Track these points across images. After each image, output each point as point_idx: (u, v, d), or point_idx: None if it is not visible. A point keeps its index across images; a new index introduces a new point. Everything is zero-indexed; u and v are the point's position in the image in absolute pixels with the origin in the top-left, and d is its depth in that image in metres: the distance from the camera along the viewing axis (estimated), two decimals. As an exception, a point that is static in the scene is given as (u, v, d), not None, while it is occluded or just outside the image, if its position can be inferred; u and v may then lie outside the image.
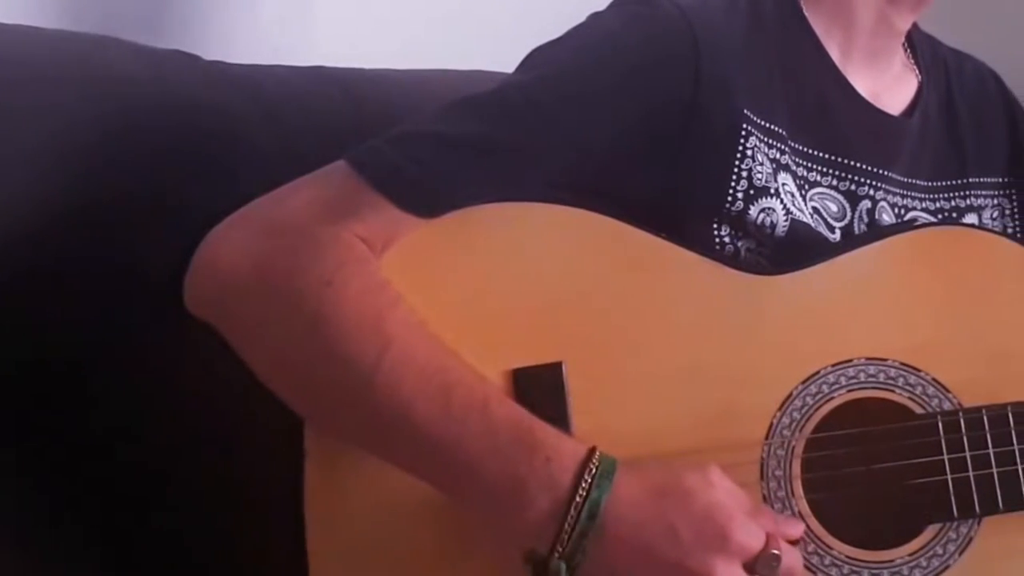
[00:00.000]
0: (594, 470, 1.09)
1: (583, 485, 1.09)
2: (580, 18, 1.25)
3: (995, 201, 1.41)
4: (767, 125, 1.25)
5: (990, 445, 1.21)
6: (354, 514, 1.18)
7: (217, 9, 1.64)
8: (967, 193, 1.40)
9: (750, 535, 1.11)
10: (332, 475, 1.18)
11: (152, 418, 1.29)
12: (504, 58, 1.24)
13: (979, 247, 1.26)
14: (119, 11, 1.53)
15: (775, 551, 1.12)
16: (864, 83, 1.33)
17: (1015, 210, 1.42)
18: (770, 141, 1.25)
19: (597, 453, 1.10)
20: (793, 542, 1.16)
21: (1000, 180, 1.43)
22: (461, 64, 1.52)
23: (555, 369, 1.18)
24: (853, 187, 1.31)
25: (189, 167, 1.33)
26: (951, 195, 1.39)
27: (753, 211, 1.23)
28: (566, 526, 1.08)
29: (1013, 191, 1.43)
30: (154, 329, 1.28)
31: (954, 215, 1.38)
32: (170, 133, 1.33)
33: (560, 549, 1.09)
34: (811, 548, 1.20)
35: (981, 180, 1.41)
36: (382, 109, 1.18)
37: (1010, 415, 1.21)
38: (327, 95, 1.48)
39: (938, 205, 1.38)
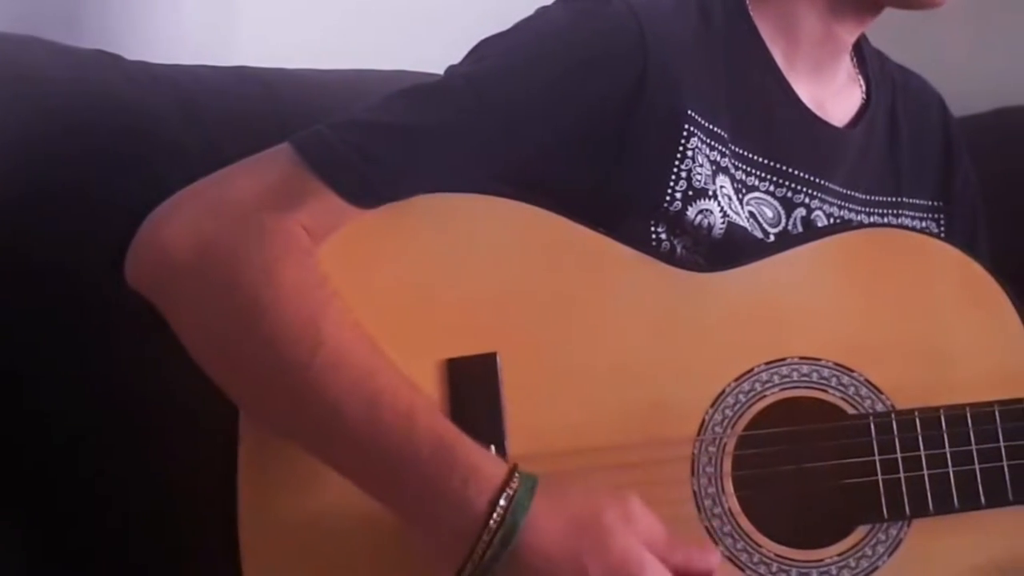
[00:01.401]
0: (511, 494, 1.07)
1: (498, 510, 1.07)
2: (504, 18, 1.26)
3: (923, 224, 1.43)
4: (709, 127, 1.26)
5: (922, 448, 1.22)
6: (287, 512, 1.17)
7: (139, 9, 1.64)
8: (899, 212, 1.41)
9: None
10: (264, 473, 1.18)
11: (80, 412, 1.29)
12: (425, 58, 1.25)
13: (915, 249, 1.27)
14: (40, 11, 1.53)
15: None
16: (808, 92, 1.34)
17: (940, 233, 1.43)
18: (711, 143, 1.26)
19: (516, 477, 1.08)
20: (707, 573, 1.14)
21: (930, 203, 1.44)
22: (382, 64, 1.53)
23: (489, 360, 1.19)
24: (790, 194, 1.32)
25: (112, 167, 1.34)
26: (885, 211, 1.40)
27: (691, 212, 1.24)
28: (477, 549, 1.06)
29: (941, 215, 1.44)
30: (79, 325, 1.28)
31: None
32: (92, 133, 1.34)
33: (469, 569, 1.07)
34: (740, 546, 1.20)
35: (913, 201, 1.43)
36: (304, 109, 1.20)
37: (942, 418, 1.22)
38: (249, 95, 1.49)
39: (872, 220, 1.38)
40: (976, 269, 1.25)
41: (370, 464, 1.10)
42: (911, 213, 1.42)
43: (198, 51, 1.57)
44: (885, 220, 1.40)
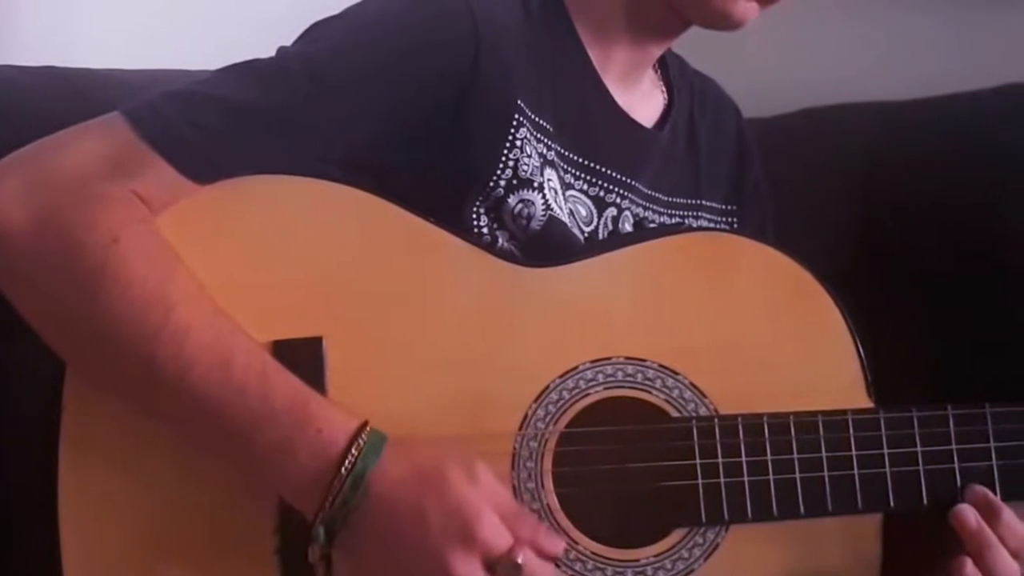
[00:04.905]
0: (362, 444, 1.11)
1: (350, 457, 1.10)
2: (313, 17, 1.26)
3: (719, 225, 1.45)
4: (537, 120, 1.27)
5: (743, 454, 1.22)
6: (107, 512, 1.17)
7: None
8: (698, 214, 1.44)
9: (495, 536, 1.11)
10: (87, 475, 1.17)
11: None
12: (234, 57, 1.25)
13: (746, 255, 1.28)
14: None
15: (518, 559, 1.11)
16: (618, 95, 1.36)
17: None
18: (539, 136, 1.27)
19: (368, 428, 1.12)
20: (550, 557, 1.15)
21: (724, 206, 1.47)
22: (192, 64, 1.52)
23: (315, 344, 1.18)
24: (602, 193, 1.34)
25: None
26: (684, 213, 1.43)
27: (512, 200, 1.24)
28: (330, 494, 1.10)
29: (733, 218, 1.47)
30: None
31: None
32: None
33: (322, 515, 1.10)
34: (557, 542, 1.20)
35: (710, 204, 1.45)
36: (113, 108, 1.19)
37: (765, 425, 1.22)
38: (57, 95, 1.48)
39: (674, 221, 1.41)
40: (806, 277, 1.26)
41: (222, 422, 1.12)
42: (708, 215, 1.45)
43: (6, 50, 1.57)
44: (686, 222, 1.42)
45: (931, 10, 2.00)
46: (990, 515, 1.21)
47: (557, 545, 1.15)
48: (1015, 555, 1.20)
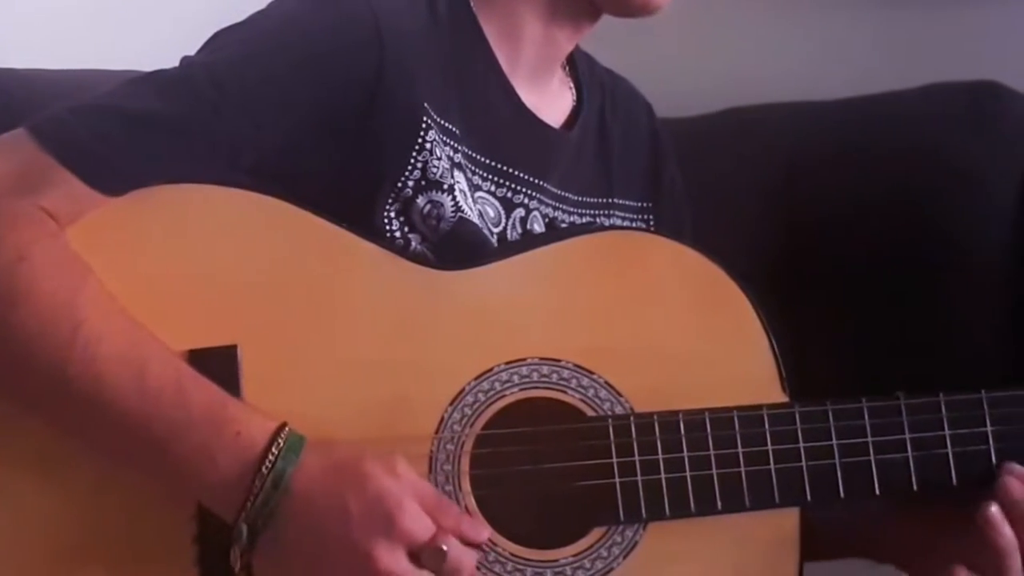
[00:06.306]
0: (282, 443, 1.12)
1: (270, 456, 1.11)
2: (236, 17, 1.26)
3: (634, 224, 1.46)
4: (444, 123, 1.27)
5: (660, 451, 1.23)
6: (21, 522, 1.17)
7: None
8: (611, 212, 1.44)
9: (417, 524, 1.12)
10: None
11: None
12: (157, 57, 1.25)
13: (657, 253, 1.28)
14: None
15: (442, 546, 1.12)
16: (526, 95, 1.36)
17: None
18: (446, 139, 1.28)
19: (287, 428, 1.13)
20: (474, 545, 1.16)
21: (639, 204, 1.47)
22: (113, 64, 1.52)
23: (229, 352, 1.19)
24: (510, 194, 1.34)
25: None
26: (596, 212, 1.43)
27: (421, 201, 1.25)
28: (251, 494, 1.11)
29: (649, 216, 1.48)
30: None
31: None
32: None
33: (244, 514, 1.11)
34: (476, 544, 1.20)
35: (624, 202, 1.46)
36: (33, 109, 1.19)
37: (681, 423, 1.23)
38: None
39: (584, 220, 1.41)
40: (719, 274, 1.27)
41: (138, 432, 1.13)
42: (622, 214, 1.45)
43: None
44: (597, 221, 1.42)
45: (854, 10, 2.01)
46: None
47: (481, 532, 1.17)
48: None
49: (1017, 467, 1.24)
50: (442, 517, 1.14)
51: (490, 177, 1.33)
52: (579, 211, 1.41)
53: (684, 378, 1.24)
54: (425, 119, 1.25)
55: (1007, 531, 1.21)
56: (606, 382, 1.23)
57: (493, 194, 1.33)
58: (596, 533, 1.23)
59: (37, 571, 1.16)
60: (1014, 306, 1.73)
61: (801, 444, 1.24)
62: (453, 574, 1.14)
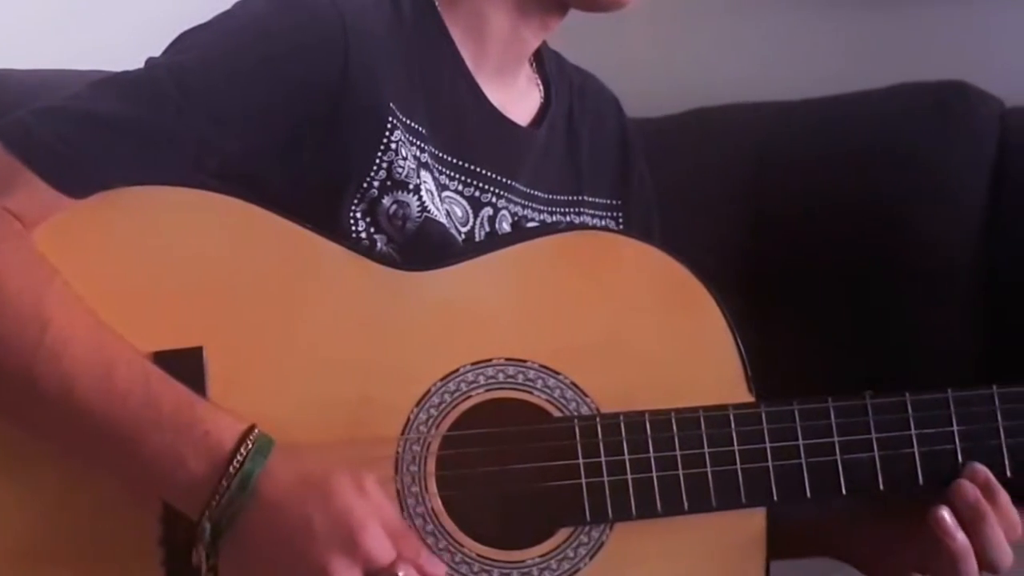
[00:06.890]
0: (251, 444, 1.12)
1: (238, 456, 1.11)
2: (201, 17, 1.26)
3: (603, 222, 1.46)
4: (409, 123, 1.27)
5: (626, 451, 1.23)
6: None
7: None
8: (580, 210, 1.44)
9: (378, 548, 1.11)
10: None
11: None
12: (123, 57, 1.24)
13: (623, 253, 1.28)
14: None
15: (399, 573, 1.12)
16: (493, 94, 1.36)
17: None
18: (412, 139, 1.27)
19: (256, 430, 1.13)
20: None
21: (609, 202, 1.47)
22: (79, 64, 1.52)
23: (195, 354, 1.18)
24: (477, 193, 1.34)
25: None
26: (566, 210, 1.43)
27: (386, 201, 1.25)
28: (217, 493, 1.10)
29: (619, 213, 1.48)
30: None
31: None
32: None
33: (208, 512, 1.10)
34: (442, 545, 1.20)
35: (593, 200, 1.46)
36: (3, 109, 1.18)
37: (647, 423, 1.23)
38: None
39: (555, 218, 1.41)
40: (685, 275, 1.26)
41: (106, 431, 1.12)
42: (591, 212, 1.45)
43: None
44: (567, 219, 1.42)
45: (821, 11, 2.02)
46: (988, 495, 1.22)
47: (439, 569, 1.15)
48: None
49: (979, 468, 1.24)
50: (403, 545, 1.13)
51: (457, 176, 1.33)
52: (548, 209, 1.41)
53: (650, 378, 1.24)
54: (390, 119, 1.24)
55: (959, 535, 1.21)
56: (572, 382, 1.23)
57: (460, 193, 1.33)
58: (562, 534, 1.22)
59: (1, 571, 1.15)
60: (982, 304, 1.74)
61: (767, 444, 1.24)
62: None
